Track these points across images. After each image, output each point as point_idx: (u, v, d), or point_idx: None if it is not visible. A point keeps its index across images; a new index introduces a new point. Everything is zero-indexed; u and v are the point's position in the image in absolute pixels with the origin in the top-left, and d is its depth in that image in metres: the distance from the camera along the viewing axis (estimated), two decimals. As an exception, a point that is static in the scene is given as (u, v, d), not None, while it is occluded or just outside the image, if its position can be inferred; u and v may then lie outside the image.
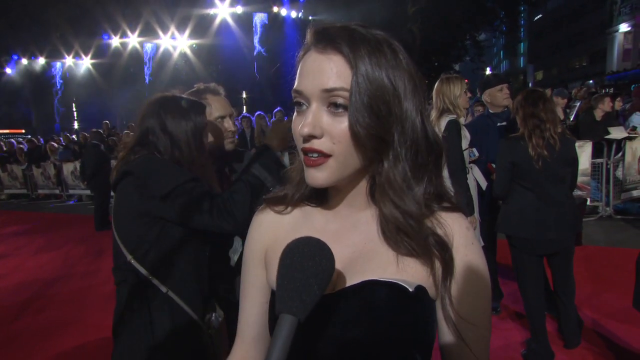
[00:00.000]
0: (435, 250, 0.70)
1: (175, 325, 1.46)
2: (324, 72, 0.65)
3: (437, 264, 0.70)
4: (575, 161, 2.74)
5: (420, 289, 0.69)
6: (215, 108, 1.84)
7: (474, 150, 3.38)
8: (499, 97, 3.46)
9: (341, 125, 0.65)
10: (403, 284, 0.68)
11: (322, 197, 0.80)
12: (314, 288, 0.59)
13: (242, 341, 0.87)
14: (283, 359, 0.54)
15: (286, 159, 8.12)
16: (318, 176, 0.68)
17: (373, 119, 0.65)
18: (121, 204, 1.51)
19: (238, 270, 0.88)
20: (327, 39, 0.66)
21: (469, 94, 3.38)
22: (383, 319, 0.67)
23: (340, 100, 0.65)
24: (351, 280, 0.71)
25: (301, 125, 0.66)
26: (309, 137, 0.66)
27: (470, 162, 3.28)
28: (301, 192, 0.80)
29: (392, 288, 0.68)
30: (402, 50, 0.70)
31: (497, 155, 2.79)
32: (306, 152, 0.68)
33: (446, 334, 0.73)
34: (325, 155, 0.66)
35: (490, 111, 3.55)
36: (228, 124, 1.87)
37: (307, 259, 0.60)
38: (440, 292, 0.70)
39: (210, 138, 1.75)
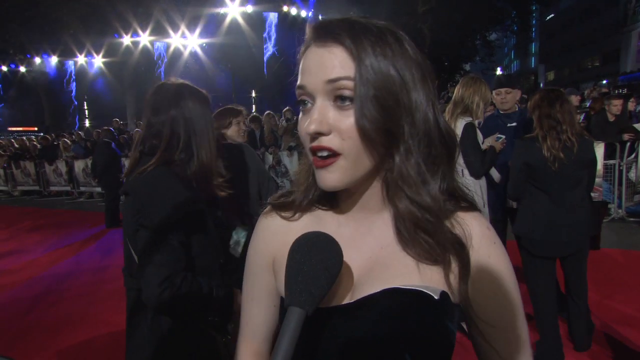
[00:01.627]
0: (453, 250, 0.66)
1: (188, 337, 1.44)
2: (326, 64, 0.61)
3: (455, 265, 0.67)
4: (593, 163, 2.69)
5: (444, 295, 0.66)
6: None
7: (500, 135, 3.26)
8: (496, 100, 3.46)
9: (349, 119, 0.61)
10: (428, 292, 0.65)
11: (333, 200, 0.75)
12: (323, 282, 0.59)
13: (253, 339, 0.82)
14: (291, 350, 0.55)
15: (294, 160, 8.15)
16: (330, 177, 0.64)
17: (380, 112, 0.60)
18: (128, 218, 1.46)
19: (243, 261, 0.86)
20: (327, 32, 0.63)
21: None
22: (406, 327, 0.65)
23: (346, 93, 0.61)
24: (370, 288, 0.67)
25: (307, 122, 0.63)
26: (316, 135, 0.62)
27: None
28: (309, 198, 0.75)
29: (416, 296, 0.65)
30: (407, 39, 0.66)
31: (512, 155, 2.76)
32: (315, 151, 0.63)
33: (475, 337, 0.72)
34: (335, 154, 0.62)
35: (500, 112, 3.52)
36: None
37: (315, 253, 0.60)
38: (461, 295, 0.68)
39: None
